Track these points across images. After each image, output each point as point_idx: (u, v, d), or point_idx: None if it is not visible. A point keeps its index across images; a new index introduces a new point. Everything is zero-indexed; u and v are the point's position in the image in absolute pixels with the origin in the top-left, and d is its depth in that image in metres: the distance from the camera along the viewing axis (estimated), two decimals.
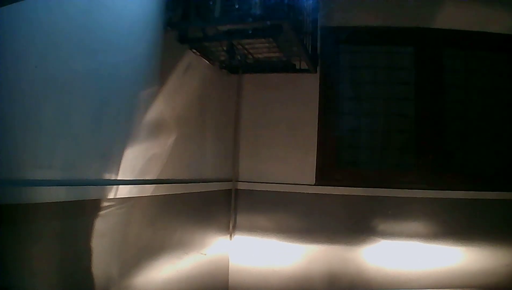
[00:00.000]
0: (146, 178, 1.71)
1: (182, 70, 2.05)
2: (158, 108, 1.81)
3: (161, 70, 1.84)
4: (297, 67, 2.54)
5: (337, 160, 2.68)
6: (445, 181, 2.53)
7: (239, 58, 2.51)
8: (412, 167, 2.62)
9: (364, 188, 2.57)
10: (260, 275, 2.66)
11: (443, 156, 2.58)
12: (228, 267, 2.70)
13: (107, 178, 1.46)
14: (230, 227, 2.65)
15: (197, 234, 2.24)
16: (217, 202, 2.53)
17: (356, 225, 2.58)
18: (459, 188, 2.50)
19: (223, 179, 2.59)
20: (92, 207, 1.35)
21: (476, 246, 2.46)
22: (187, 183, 2.07)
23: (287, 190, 2.63)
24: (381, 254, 2.55)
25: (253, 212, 2.68)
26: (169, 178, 1.88)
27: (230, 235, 2.66)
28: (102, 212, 1.39)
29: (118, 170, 1.51)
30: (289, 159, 2.67)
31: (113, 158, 1.50)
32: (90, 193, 1.35)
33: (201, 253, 2.27)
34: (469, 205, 2.49)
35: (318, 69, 2.63)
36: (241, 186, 2.69)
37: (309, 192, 2.61)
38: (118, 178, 1.51)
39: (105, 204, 1.41)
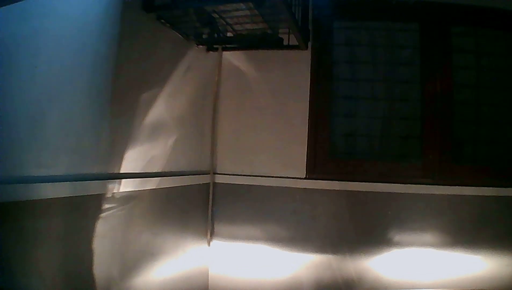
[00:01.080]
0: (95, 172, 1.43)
1: (149, 45, 1.74)
2: (119, 91, 1.52)
3: (121, 45, 1.53)
4: (286, 42, 2.21)
5: (331, 150, 2.38)
6: (454, 175, 2.27)
7: (217, 31, 2.19)
8: (416, 159, 2.33)
9: (362, 183, 2.27)
10: (242, 283, 2.33)
11: (452, 146, 2.31)
12: (208, 275, 2.38)
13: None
14: (207, 226, 2.32)
15: (169, 238, 1.96)
16: (192, 198, 2.21)
17: (352, 227, 2.26)
18: (470, 183, 2.23)
19: (199, 171, 2.27)
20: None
21: (489, 249, 2.17)
22: (153, 177, 1.77)
23: (273, 184, 2.32)
24: (381, 260, 2.23)
25: (234, 210, 2.36)
26: (130, 172, 1.61)
27: (208, 236, 2.32)
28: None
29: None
30: (275, 149, 2.36)
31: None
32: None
33: None
34: (481, 203, 2.21)
35: (309, 45, 2.33)
36: (220, 179, 2.37)
37: (299, 186, 2.30)
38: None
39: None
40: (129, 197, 1.58)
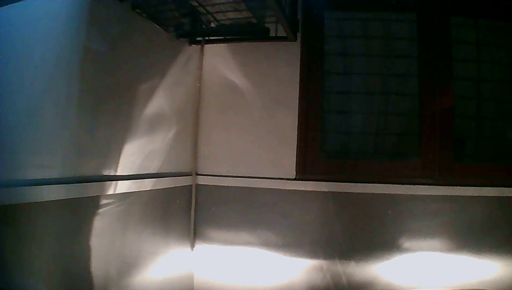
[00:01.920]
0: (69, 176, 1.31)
1: (123, 38, 1.58)
2: (87, 89, 1.37)
3: (89, 38, 1.37)
4: (273, 33, 2.05)
5: (323, 149, 2.22)
6: (455, 175, 2.12)
7: (198, 22, 2.04)
8: (414, 157, 2.17)
9: (356, 184, 2.10)
10: (228, 289, 2.17)
11: (453, 144, 2.16)
12: (193, 280, 2.22)
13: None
14: (190, 230, 2.16)
15: (150, 243, 1.81)
16: (174, 201, 2.05)
17: (345, 231, 2.10)
18: (473, 183, 2.07)
19: (181, 173, 2.11)
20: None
21: (494, 254, 2.01)
22: (130, 179, 1.62)
23: (259, 186, 2.15)
24: (376, 266, 2.07)
25: (218, 213, 2.19)
26: (104, 174, 1.47)
27: (191, 240, 2.16)
28: None
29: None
30: (262, 148, 2.19)
31: None
32: None
33: None
34: (486, 205, 2.05)
35: (298, 36, 2.16)
36: (203, 180, 2.20)
37: (288, 188, 2.13)
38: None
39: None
40: (104, 202, 1.45)
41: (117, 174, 1.54)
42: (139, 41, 1.72)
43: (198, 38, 2.17)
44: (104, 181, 1.46)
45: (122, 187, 1.55)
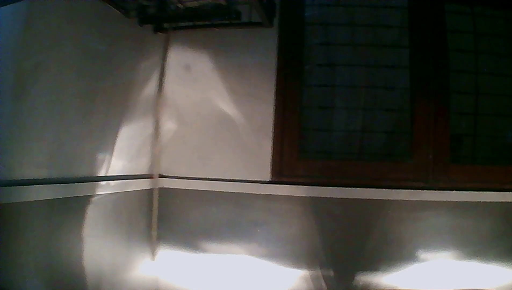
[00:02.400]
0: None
1: (76, 24, 1.39)
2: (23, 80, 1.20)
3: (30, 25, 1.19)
4: (247, 19, 1.84)
5: (302, 148, 2.01)
6: (450, 177, 1.94)
7: (164, 5, 1.81)
8: (405, 158, 2.00)
9: (339, 188, 1.89)
10: None
11: (448, 143, 1.97)
12: None
13: None
14: (152, 239, 1.92)
15: (108, 252, 1.64)
16: (134, 206, 1.83)
17: (326, 241, 1.87)
18: (469, 186, 1.89)
19: (141, 175, 1.88)
20: None
21: (494, 265, 1.82)
22: (84, 182, 1.47)
23: (231, 190, 1.92)
24: (360, 280, 1.84)
25: (184, 220, 1.96)
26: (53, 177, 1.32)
27: (154, 250, 1.93)
28: None
29: None
30: (235, 147, 1.97)
31: None
32: None
33: None
34: (486, 211, 1.86)
35: (276, 23, 1.96)
36: (167, 183, 1.97)
37: (262, 192, 1.91)
38: None
39: None
40: (51, 206, 1.30)
41: (67, 176, 1.38)
42: (95, 27, 1.52)
43: (165, 26, 1.95)
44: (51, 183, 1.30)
45: (76, 190, 1.41)
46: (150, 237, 1.92)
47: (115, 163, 1.66)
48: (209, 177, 1.93)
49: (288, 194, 1.88)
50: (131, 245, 1.81)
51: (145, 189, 1.88)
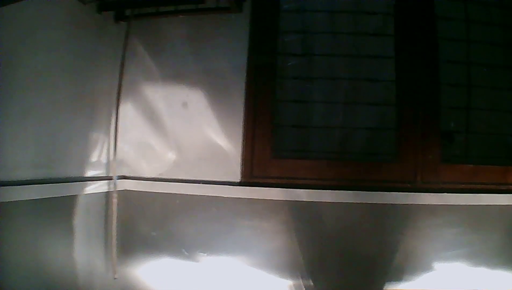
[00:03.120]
0: None
1: (27, 11, 1.26)
2: None
3: None
4: (213, 4, 1.70)
5: (275, 147, 1.86)
6: (440, 178, 1.83)
7: None
8: (391, 157, 1.87)
9: (317, 190, 1.75)
10: None
11: (439, 140, 1.86)
12: None
13: None
14: (112, 251, 1.73)
15: (63, 262, 1.51)
16: (88, 212, 1.65)
17: (303, 250, 1.72)
18: (461, 188, 1.77)
19: (98, 176, 1.70)
20: None
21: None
22: (28, 184, 1.32)
23: (196, 193, 1.76)
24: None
25: (145, 227, 1.79)
26: None
27: (113, 264, 1.74)
28: None
29: None
30: (200, 144, 1.80)
31: None
32: None
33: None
34: (480, 215, 1.74)
35: (246, 8, 1.83)
36: (127, 185, 1.80)
37: (231, 195, 1.75)
38: None
39: None
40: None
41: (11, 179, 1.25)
42: (48, 14, 1.40)
43: (127, 13, 1.81)
44: None
45: (22, 193, 1.28)
46: (109, 248, 1.74)
47: (68, 163, 1.51)
48: (171, 178, 1.77)
49: (259, 197, 1.73)
50: (91, 250, 1.67)
51: (100, 193, 1.70)
